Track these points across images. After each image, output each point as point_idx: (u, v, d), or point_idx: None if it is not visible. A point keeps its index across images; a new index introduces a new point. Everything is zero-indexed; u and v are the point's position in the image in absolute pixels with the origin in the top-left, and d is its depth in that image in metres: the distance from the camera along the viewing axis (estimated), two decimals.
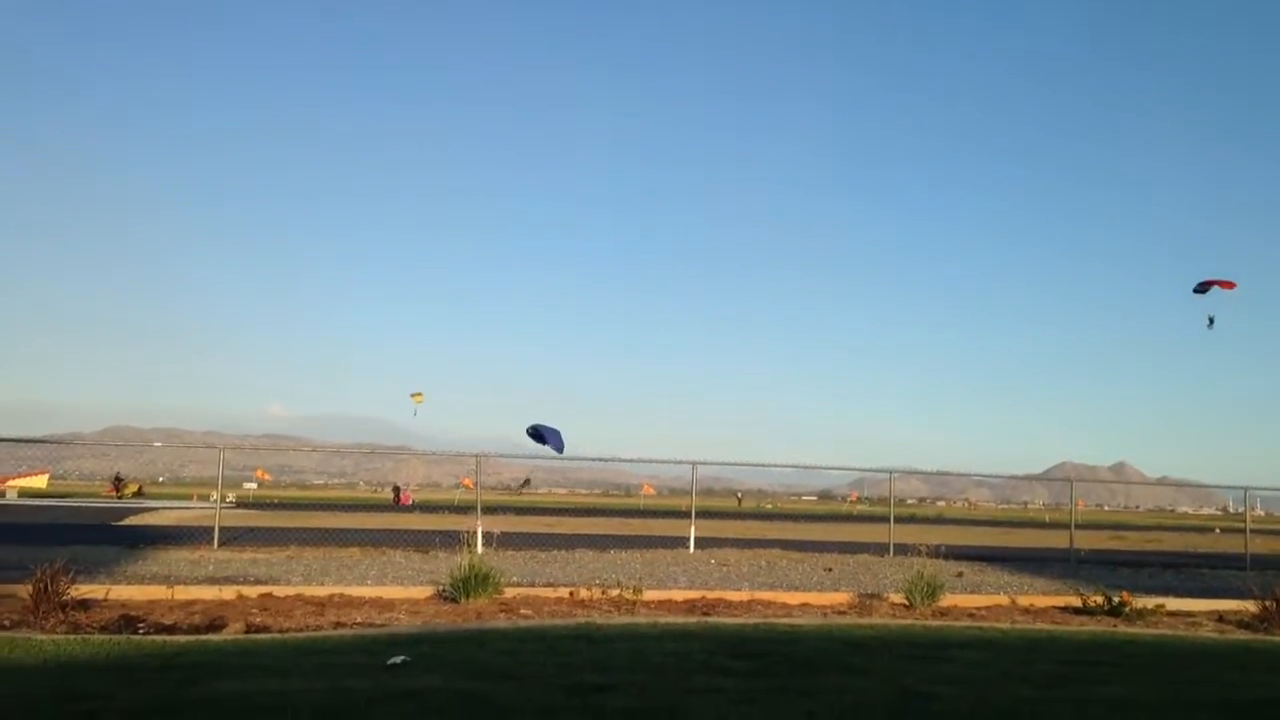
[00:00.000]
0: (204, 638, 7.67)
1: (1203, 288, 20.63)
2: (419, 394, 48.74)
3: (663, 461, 21.63)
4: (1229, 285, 20.48)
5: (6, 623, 7.93)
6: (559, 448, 19.89)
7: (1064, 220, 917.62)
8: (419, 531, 20.32)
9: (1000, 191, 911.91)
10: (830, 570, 14.97)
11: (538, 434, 19.71)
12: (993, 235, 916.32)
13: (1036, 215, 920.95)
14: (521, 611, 9.51)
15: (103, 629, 7.92)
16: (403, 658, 6.32)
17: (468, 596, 9.85)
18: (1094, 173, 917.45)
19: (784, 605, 10.79)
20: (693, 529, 18.17)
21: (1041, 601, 11.68)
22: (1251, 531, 20.90)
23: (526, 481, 71.86)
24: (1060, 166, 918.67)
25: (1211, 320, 20.71)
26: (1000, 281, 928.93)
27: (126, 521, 25.39)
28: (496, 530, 15.61)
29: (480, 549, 12.89)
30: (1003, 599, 11.71)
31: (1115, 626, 10.00)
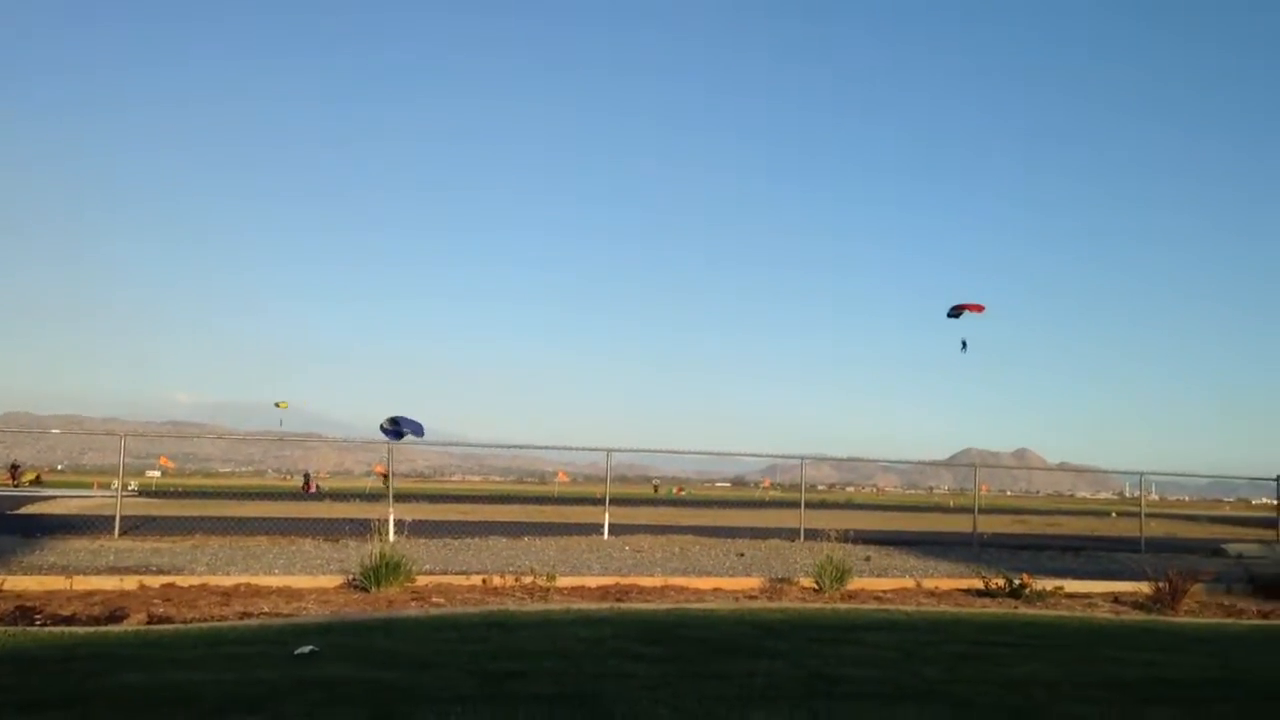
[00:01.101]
0: (104, 629, 7.48)
1: (955, 311, 21.07)
2: (284, 403, 52.20)
3: (577, 449, 21.69)
4: (978, 309, 20.97)
5: None
6: (419, 431, 20.00)
7: (961, 211, 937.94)
8: (329, 520, 19.98)
9: (909, 177, 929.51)
10: (742, 555, 15.12)
11: (396, 430, 19.74)
12: (897, 223, 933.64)
13: (935, 205, 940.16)
14: (434, 600, 9.45)
15: None
16: (311, 647, 6.23)
17: (379, 585, 9.75)
18: (999, 159, 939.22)
19: (696, 590, 10.89)
20: (607, 516, 18.21)
21: (946, 584, 11.97)
22: (1146, 515, 21.65)
23: (385, 477, 71.28)
24: (961, 159, 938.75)
25: (964, 344, 21.17)
26: (906, 271, 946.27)
27: (23, 510, 24.54)
28: (408, 518, 15.45)
29: (392, 537, 12.78)
30: (909, 582, 11.97)
31: (1016, 608, 10.30)
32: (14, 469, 60.37)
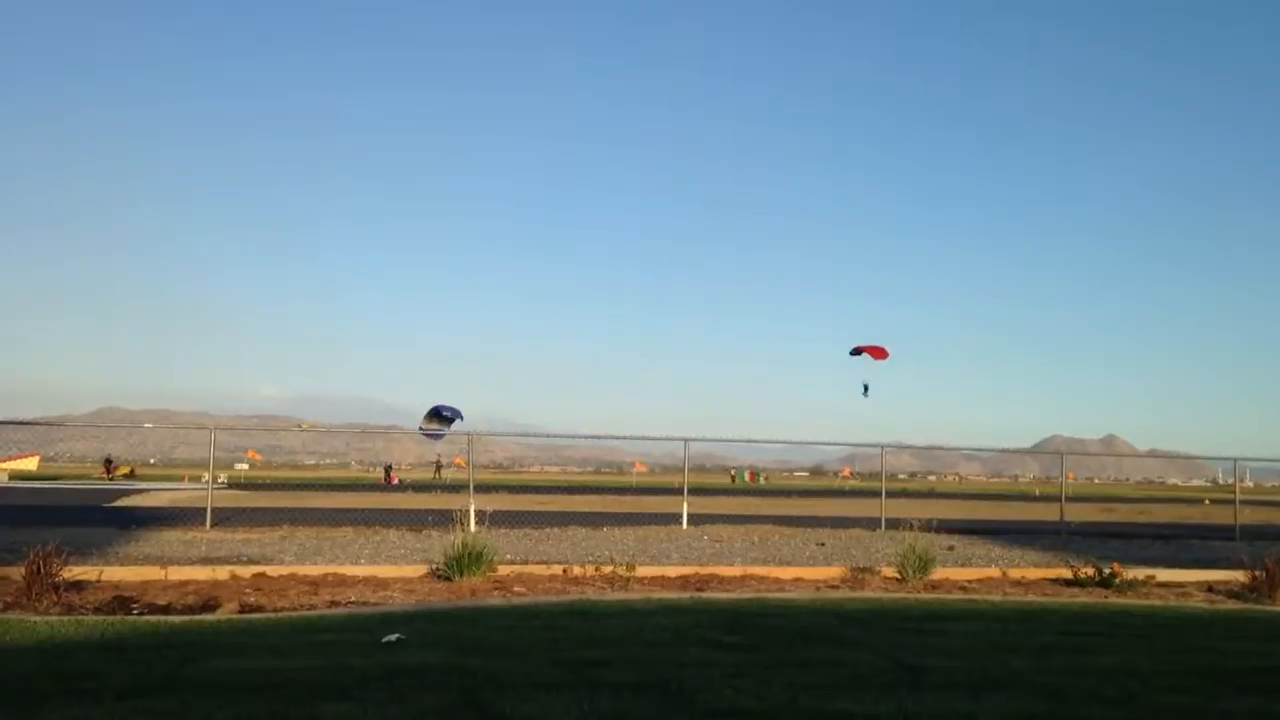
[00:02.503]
0: (198, 617, 7.67)
1: (856, 351, 20.90)
2: (307, 425, 59.02)
3: (655, 439, 21.80)
4: (881, 355, 20.66)
5: (0, 605, 7.93)
6: (458, 415, 20.57)
7: (1047, 195, 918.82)
8: (412, 510, 20.32)
9: (986, 166, 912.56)
10: (823, 545, 15.01)
11: (438, 432, 20.23)
12: (979, 210, 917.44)
13: (1020, 190, 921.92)
14: (515, 589, 9.53)
15: (97, 610, 7.92)
16: (398, 635, 6.33)
17: (461, 574, 9.87)
18: (1079, 149, 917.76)
19: (777, 580, 10.83)
20: (685, 505, 18.21)
21: (1033, 574, 11.74)
22: (1240, 502, 21.01)
23: (388, 472, 72.75)
24: (1048, 145, 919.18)
25: (866, 388, 20.89)
26: (989, 256, 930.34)
27: (118, 503, 25.33)
28: (489, 509, 15.63)
29: (473, 527, 12.91)
30: (994, 572, 11.77)
31: (1106, 598, 10.07)
32: (108, 463, 62.32)
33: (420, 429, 21.39)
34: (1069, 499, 20.39)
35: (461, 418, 20.91)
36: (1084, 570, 11.03)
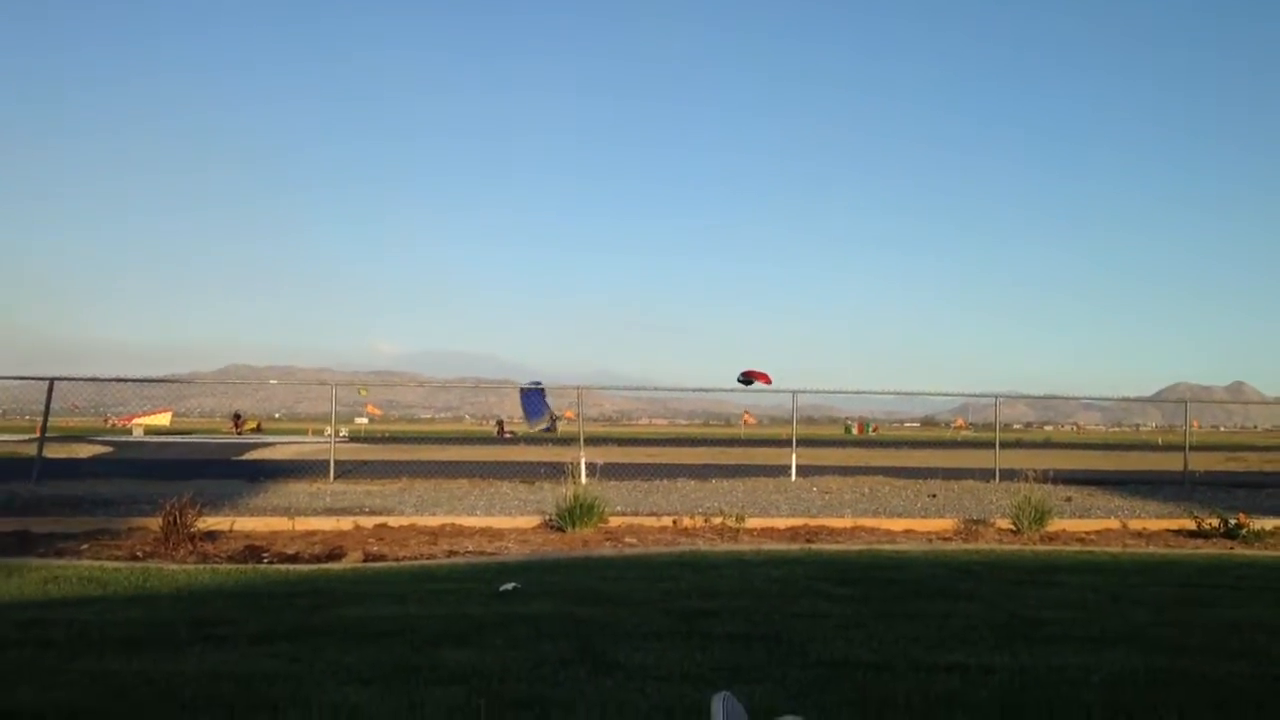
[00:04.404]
0: (325, 566, 8.00)
1: (745, 379, 23.19)
2: (364, 389, 68.60)
3: (763, 390, 21.77)
4: (767, 380, 23.27)
5: (140, 554, 8.39)
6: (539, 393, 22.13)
7: (1174, 132, 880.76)
8: (524, 463, 20.69)
9: (1109, 106, 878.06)
10: (934, 496, 14.82)
11: (550, 426, 21.29)
12: (1100, 150, 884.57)
13: (1145, 128, 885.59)
14: (626, 540, 9.68)
15: (229, 559, 8.32)
16: (514, 584, 6.50)
17: (574, 526, 10.05)
18: (1207, 86, 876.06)
19: (887, 532, 10.77)
20: (794, 457, 18.16)
21: (1154, 525, 11.44)
22: None
23: (501, 425, 72.58)
24: (1178, 79, 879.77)
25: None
26: (1111, 196, 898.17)
27: (246, 456, 26.35)
28: (599, 461, 15.81)
29: (584, 479, 13.09)
30: (1113, 523, 11.50)
31: (1231, 549, 9.77)
32: (237, 418, 64.91)
33: (531, 429, 22.60)
34: (1193, 448, 19.71)
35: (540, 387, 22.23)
36: (1208, 521, 10.71)
